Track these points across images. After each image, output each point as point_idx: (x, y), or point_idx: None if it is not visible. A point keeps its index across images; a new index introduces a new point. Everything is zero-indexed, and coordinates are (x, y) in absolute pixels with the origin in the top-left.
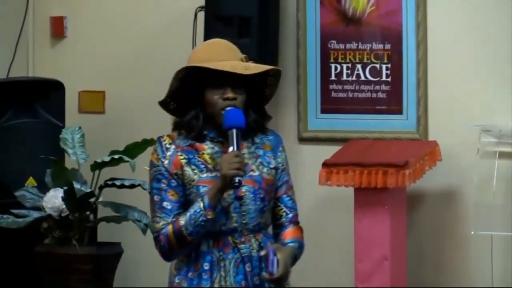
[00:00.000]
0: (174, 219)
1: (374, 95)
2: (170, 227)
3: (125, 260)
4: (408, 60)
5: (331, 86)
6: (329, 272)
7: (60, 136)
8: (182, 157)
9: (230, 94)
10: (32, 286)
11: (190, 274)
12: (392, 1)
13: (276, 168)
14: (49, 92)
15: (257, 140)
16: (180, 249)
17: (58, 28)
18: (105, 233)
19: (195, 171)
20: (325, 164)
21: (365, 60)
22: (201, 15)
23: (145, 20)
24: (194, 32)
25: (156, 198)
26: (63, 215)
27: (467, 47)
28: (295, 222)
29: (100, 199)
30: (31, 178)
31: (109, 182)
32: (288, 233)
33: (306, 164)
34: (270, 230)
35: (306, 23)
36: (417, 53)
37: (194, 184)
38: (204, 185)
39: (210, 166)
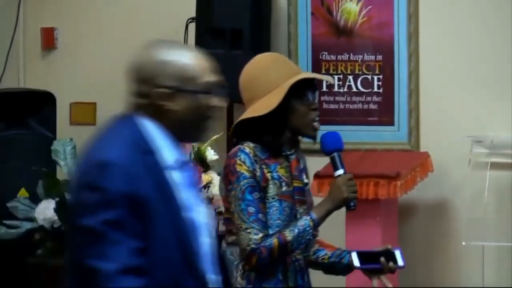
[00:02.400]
0: (277, 233)
1: (365, 106)
2: (275, 241)
3: None
4: (400, 72)
5: (322, 98)
6: (321, 283)
7: (52, 147)
8: (267, 170)
9: (316, 105)
10: None
11: (264, 284)
12: (384, 12)
13: None
14: (40, 104)
15: (294, 155)
16: (278, 261)
17: (49, 40)
18: None
19: (277, 185)
20: (317, 176)
21: (356, 72)
22: (192, 27)
23: (136, 31)
24: (185, 43)
25: (250, 209)
26: (55, 226)
27: (459, 58)
28: None
29: None
30: (23, 189)
31: None
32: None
33: None
34: None
35: (297, 35)
36: (409, 64)
37: (277, 199)
38: (285, 199)
39: (287, 180)
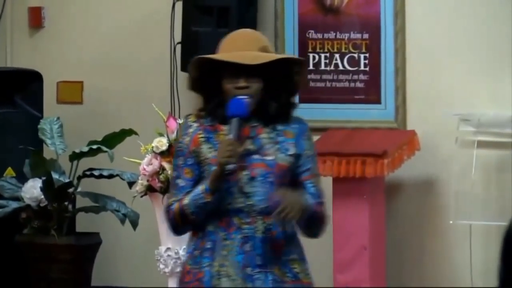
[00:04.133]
0: (182, 197)
1: (352, 84)
2: (177, 205)
3: (103, 250)
4: (386, 50)
5: (309, 76)
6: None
7: (39, 126)
8: (201, 135)
9: (242, 84)
10: (13, 276)
11: (195, 252)
12: None
13: (295, 155)
14: (27, 83)
15: (279, 127)
16: (184, 225)
17: (36, 19)
18: (84, 223)
19: (210, 149)
20: None
21: (343, 50)
22: (179, 5)
23: (123, 10)
24: (172, 22)
25: (174, 174)
26: (41, 205)
27: (446, 36)
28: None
29: (79, 189)
30: (9, 168)
31: (88, 172)
32: None
33: None
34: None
35: (284, 13)
36: (395, 42)
37: (208, 162)
38: (215, 164)
39: None
